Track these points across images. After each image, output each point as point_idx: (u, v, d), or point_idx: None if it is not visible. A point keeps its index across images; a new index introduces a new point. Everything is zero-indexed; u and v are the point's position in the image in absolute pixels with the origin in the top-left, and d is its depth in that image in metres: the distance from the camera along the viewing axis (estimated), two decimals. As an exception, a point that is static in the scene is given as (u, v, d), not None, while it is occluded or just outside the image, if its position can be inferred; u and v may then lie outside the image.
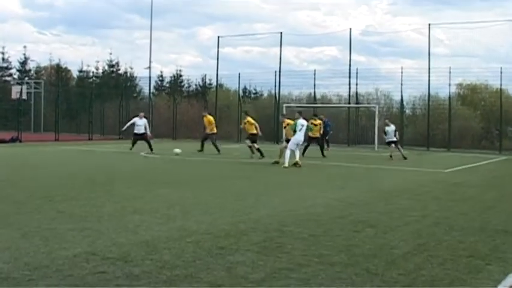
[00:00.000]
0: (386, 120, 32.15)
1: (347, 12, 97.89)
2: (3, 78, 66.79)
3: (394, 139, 29.81)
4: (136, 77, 63.33)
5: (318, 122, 30.46)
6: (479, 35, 42.26)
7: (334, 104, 48.42)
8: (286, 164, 22.30)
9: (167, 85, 65.35)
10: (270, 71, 49.29)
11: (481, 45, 56.66)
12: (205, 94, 53.88)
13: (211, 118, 31.49)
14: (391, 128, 30.03)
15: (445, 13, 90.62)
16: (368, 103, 46.67)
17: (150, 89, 55.87)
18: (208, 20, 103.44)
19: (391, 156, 28.94)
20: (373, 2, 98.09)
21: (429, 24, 42.35)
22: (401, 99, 44.27)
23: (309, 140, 29.11)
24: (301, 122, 23.77)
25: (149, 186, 15.44)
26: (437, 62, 42.69)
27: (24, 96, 50.42)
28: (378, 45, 68.38)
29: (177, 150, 27.02)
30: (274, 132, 42.15)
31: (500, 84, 40.99)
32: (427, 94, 43.36)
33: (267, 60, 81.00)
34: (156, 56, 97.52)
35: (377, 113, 41.09)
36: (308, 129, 25.62)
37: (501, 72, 39.34)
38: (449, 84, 41.84)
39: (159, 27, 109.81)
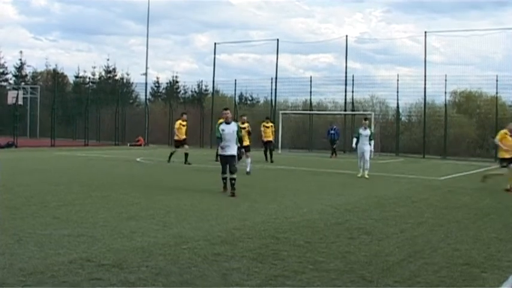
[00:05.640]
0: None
1: (342, 19, 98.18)
2: (-1, 84, 66.77)
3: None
4: (132, 83, 63.26)
5: (270, 124, 31.43)
6: (474, 43, 42.35)
7: (330, 111, 48.44)
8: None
9: (163, 91, 65.38)
10: (266, 77, 49.38)
11: (476, 53, 56.74)
12: (202, 100, 53.80)
13: None
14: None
15: (439, 21, 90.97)
16: (364, 110, 46.62)
17: (146, 95, 55.83)
18: (203, 27, 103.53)
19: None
20: (367, 10, 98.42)
21: (425, 32, 42.31)
22: (397, 107, 44.26)
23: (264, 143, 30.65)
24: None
25: (145, 193, 15.42)
26: (432, 69, 42.77)
27: (20, 102, 50.32)
28: (373, 52, 68.39)
29: None
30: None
31: (496, 92, 41.02)
32: (422, 101, 43.33)
33: (263, 67, 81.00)
34: (152, 62, 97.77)
35: (373, 120, 41.04)
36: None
37: (497, 80, 39.39)
38: (445, 92, 41.78)
39: (155, 34, 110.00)
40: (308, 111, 46.53)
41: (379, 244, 9.52)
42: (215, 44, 50.29)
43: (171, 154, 27.34)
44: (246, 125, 23.63)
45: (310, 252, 8.73)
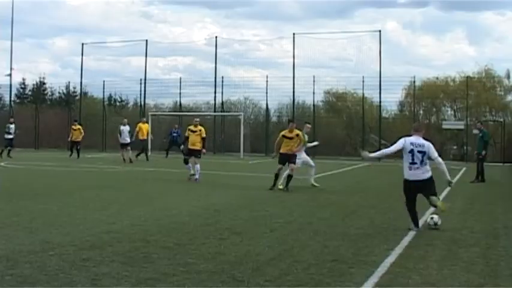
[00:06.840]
0: (125, 120, 33.36)
1: (193, 24, 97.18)
2: None
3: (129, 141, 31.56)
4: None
5: (78, 127, 33.92)
6: (329, 47, 44.31)
7: (199, 112, 48.49)
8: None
9: (29, 93, 63.45)
10: (132, 79, 49.27)
11: (338, 55, 58.65)
12: (70, 103, 52.58)
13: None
14: (127, 128, 31.90)
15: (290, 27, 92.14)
16: (236, 111, 47.17)
17: (10, 97, 53.96)
18: (61, 31, 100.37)
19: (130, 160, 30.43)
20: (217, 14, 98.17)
21: (294, 34, 43.36)
22: (267, 108, 45.18)
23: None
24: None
25: (10, 198, 14.83)
26: (297, 71, 43.66)
27: None
28: (230, 55, 67.50)
29: None
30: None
31: (363, 94, 42.89)
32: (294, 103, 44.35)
33: (125, 69, 79.09)
34: (14, 64, 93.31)
35: (242, 121, 41.61)
36: None
37: (363, 81, 41.12)
38: (314, 93, 43.09)
39: (8, 37, 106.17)
40: (178, 112, 46.44)
41: (249, 244, 9.58)
42: (83, 44, 49.31)
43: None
44: (198, 128, 21.72)
45: (181, 254, 8.67)
